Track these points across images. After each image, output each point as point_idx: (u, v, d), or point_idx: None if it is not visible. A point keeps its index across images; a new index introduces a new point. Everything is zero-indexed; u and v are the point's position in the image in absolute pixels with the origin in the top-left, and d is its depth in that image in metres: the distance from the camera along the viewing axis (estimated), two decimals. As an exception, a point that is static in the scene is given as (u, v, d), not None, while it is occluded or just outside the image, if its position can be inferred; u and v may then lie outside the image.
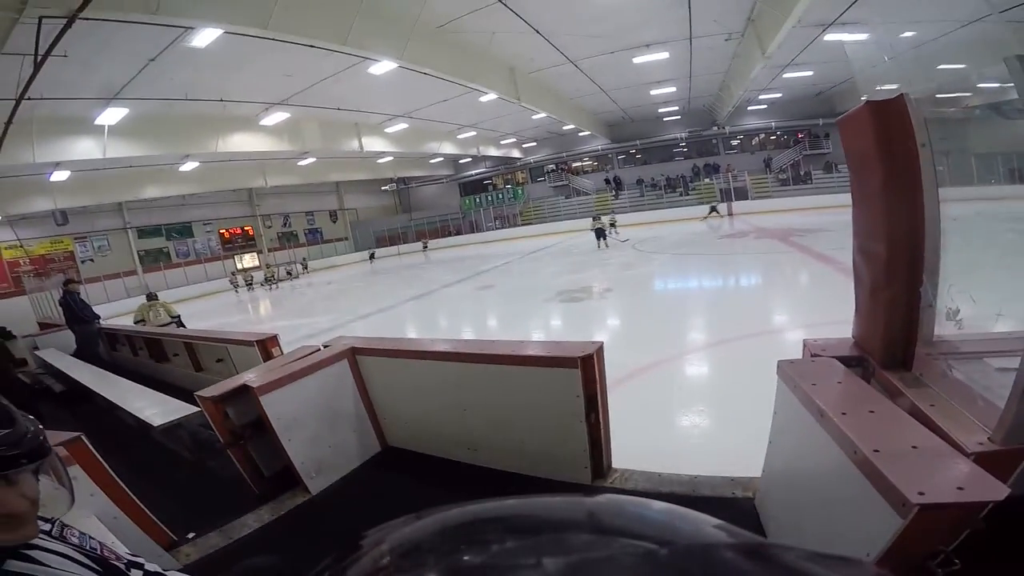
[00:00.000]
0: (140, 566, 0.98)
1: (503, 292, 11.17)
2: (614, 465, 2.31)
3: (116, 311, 15.29)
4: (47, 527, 0.88)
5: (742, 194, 22.66)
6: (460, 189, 31.15)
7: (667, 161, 25.89)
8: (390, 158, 22.79)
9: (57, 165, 12.24)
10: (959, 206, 1.41)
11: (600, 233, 15.93)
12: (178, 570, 1.16)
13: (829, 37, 11.97)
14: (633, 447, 2.46)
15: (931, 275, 1.35)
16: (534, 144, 27.25)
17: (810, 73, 16.78)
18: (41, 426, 0.81)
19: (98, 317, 8.02)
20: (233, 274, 21.50)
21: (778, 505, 1.67)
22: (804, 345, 1.73)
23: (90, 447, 2.08)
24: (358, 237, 29.52)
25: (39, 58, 3.79)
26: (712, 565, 0.28)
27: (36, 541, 0.81)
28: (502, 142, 25.59)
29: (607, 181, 26.86)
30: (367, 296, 13.89)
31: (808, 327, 5.01)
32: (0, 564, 0.73)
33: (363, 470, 2.82)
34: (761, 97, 20.69)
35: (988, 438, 1.04)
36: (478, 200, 30.25)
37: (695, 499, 2.01)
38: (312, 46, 8.01)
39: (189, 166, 16.40)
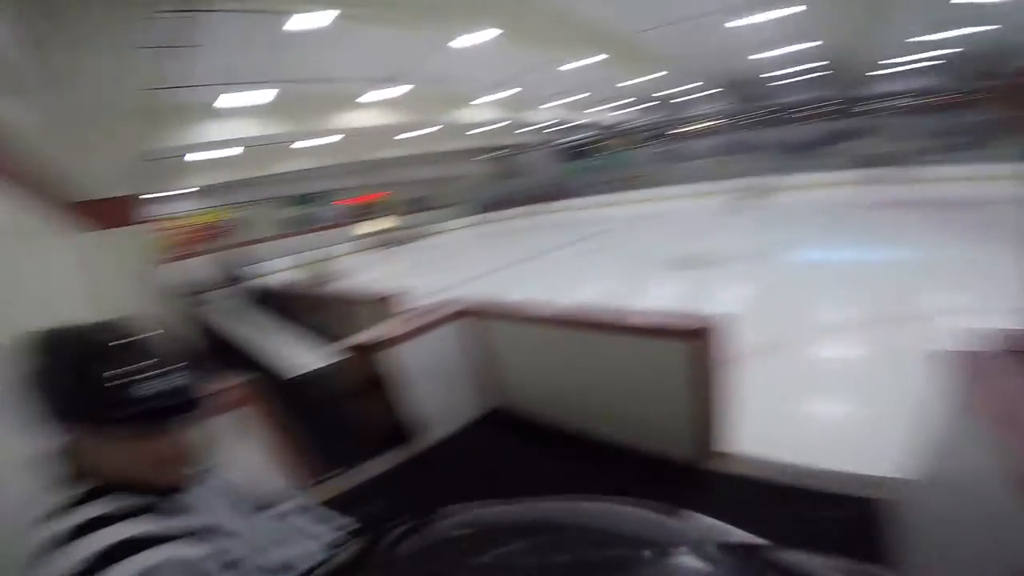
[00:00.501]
0: (275, 504, 1.05)
1: (609, 258, 10.86)
2: (725, 448, 2.22)
3: (273, 268, 17.91)
4: (199, 469, 0.93)
5: (891, 161, 19.20)
6: (560, 156, 30.72)
7: (799, 123, 22.71)
8: (491, 127, 23.00)
9: (210, 144, 13.99)
10: None
11: (740, 197, 14.74)
12: (305, 508, 1.24)
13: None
14: (748, 430, 2.33)
15: None
16: (639, 108, 25.60)
17: (973, 30, 13.47)
18: (204, 374, 0.83)
19: (257, 275, 9.48)
20: (369, 234, 24.05)
21: (926, 513, 1.49)
22: (977, 335, 1.48)
23: (259, 389, 2.35)
24: (463, 204, 30.77)
25: (178, 49, 4.37)
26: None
27: (196, 478, 0.86)
28: (599, 108, 24.38)
29: (729, 146, 24.49)
30: (479, 259, 14.42)
31: (973, 313, 4.26)
32: (164, 497, 0.77)
33: (474, 428, 2.96)
34: (910, 57, 17.12)
35: None
36: (580, 166, 29.57)
37: (815, 494, 1.87)
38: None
39: (321, 140, 17.92)
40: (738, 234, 11.23)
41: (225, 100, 11.59)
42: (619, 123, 26.96)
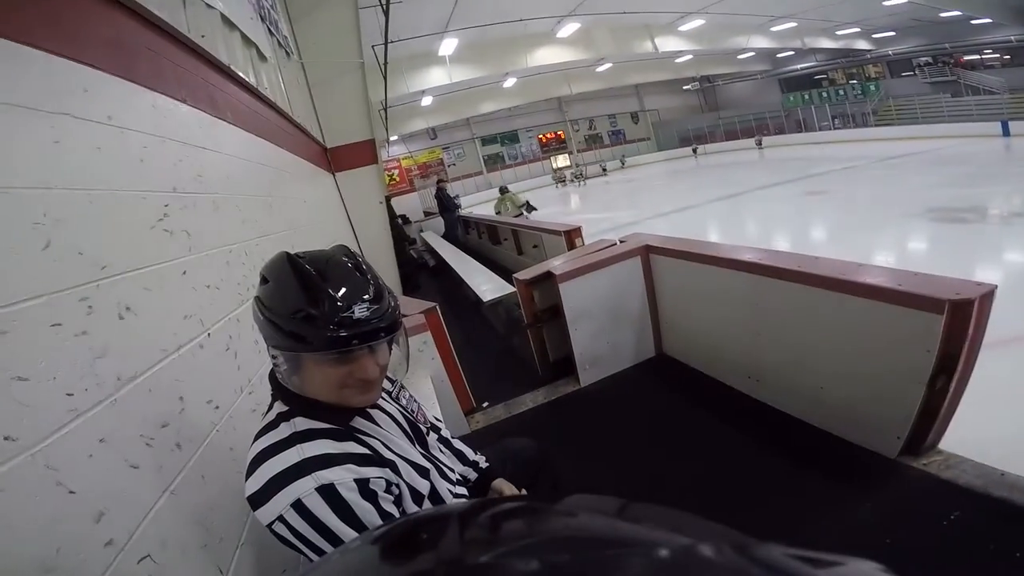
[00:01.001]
0: (437, 430, 1.15)
1: (840, 200, 8.78)
2: (940, 446, 1.72)
3: (472, 202, 19.83)
4: (390, 387, 1.04)
5: None
6: (781, 85, 25.47)
7: None
8: (689, 57, 20.44)
9: (423, 92, 15.73)
10: None
11: None
12: (465, 436, 1.33)
13: None
14: (981, 432, 1.76)
15: None
16: (892, 34, 19.60)
17: None
18: (398, 301, 0.88)
19: (459, 207, 10.63)
20: (556, 170, 24.88)
21: None
22: None
23: (440, 318, 2.52)
24: (660, 137, 28.49)
25: (385, 6, 4.76)
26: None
27: (380, 402, 0.95)
28: (838, 32, 19.38)
29: None
30: (668, 195, 13.42)
31: None
32: (349, 420, 0.87)
33: (634, 372, 2.83)
34: None
35: None
36: (807, 97, 24.14)
37: None
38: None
39: (510, 82, 18.60)
40: None
41: (440, 47, 12.77)
42: (864, 50, 21.03)
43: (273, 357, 0.85)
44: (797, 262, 1.99)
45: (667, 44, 16.47)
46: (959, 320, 1.49)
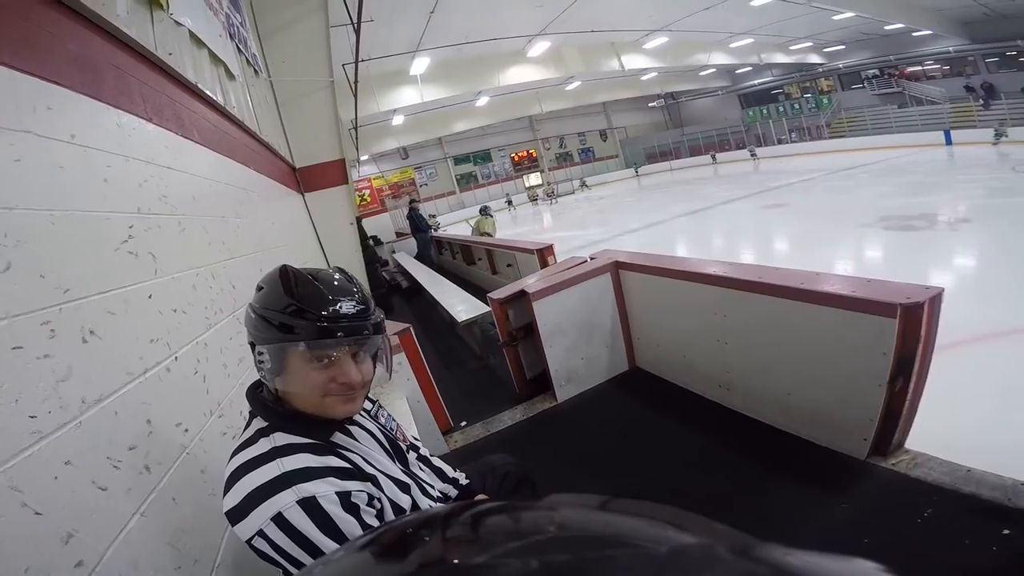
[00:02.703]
0: (416, 448, 1.15)
1: (798, 212, 9.26)
2: (906, 445, 1.79)
3: (446, 222, 19.90)
4: (370, 406, 1.05)
5: None
6: (741, 101, 26.69)
7: None
8: (654, 74, 21.26)
9: (394, 112, 15.82)
10: None
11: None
12: (444, 455, 1.34)
13: None
14: (942, 430, 1.84)
15: None
16: (841, 48, 20.94)
17: None
18: (383, 315, 0.92)
19: (433, 227, 10.59)
20: (529, 188, 25.23)
21: None
22: None
23: (414, 339, 2.51)
24: (628, 154, 29.29)
25: (357, 25, 4.79)
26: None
27: (358, 419, 0.96)
28: (792, 47, 20.53)
29: (969, 88, 18.41)
30: (637, 211, 13.77)
31: None
32: (330, 435, 0.87)
33: (608, 387, 2.87)
34: None
35: None
36: (765, 111, 25.35)
37: (1005, 509, 1.46)
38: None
39: (482, 101, 18.91)
40: (980, 192, 8.53)
41: (412, 67, 12.85)
42: (816, 64, 22.33)
43: (259, 361, 0.85)
44: (759, 273, 2.08)
45: (633, 62, 17.05)
46: (911, 323, 1.59)
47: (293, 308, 0.81)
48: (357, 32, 4.96)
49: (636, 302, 2.84)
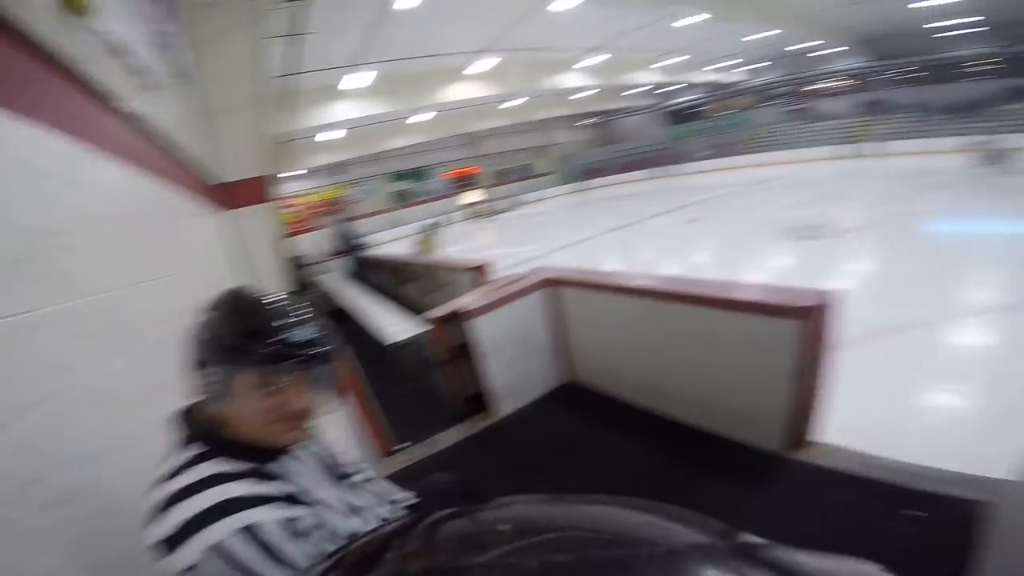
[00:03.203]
0: (358, 472, 1.12)
1: (717, 225, 10.04)
2: (818, 438, 1.95)
3: (381, 240, 19.51)
4: (304, 434, 1.01)
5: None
6: (667, 118, 28.50)
7: (956, 81, 18.52)
8: (589, 92, 22.16)
9: (330, 126, 15.41)
10: None
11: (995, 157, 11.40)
12: (387, 476, 1.34)
13: None
14: (848, 421, 2.02)
15: None
16: (758, 66, 22.92)
17: None
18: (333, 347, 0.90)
19: (364, 247, 10.29)
20: (468, 206, 25.01)
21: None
22: None
23: (350, 360, 2.49)
24: (564, 171, 30.27)
25: (296, 37, 4.64)
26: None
27: (294, 447, 0.93)
28: (714, 67, 22.20)
29: (867, 104, 20.90)
30: (570, 228, 14.17)
31: None
32: (271, 461, 0.84)
33: (547, 400, 2.91)
34: None
35: None
36: (689, 128, 27.24)
37: (908, 491, 1.62)
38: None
39: (422, 117, 18.86)
40: (868, 202, 9.64)
41: (345, 82, 12.54)
42: (734, 82, 24.30)
43: (204, 384, 0.81)
44: (682, 285, 2.22)
45: (570, 80, 17.60)
46: (812, 324, 1.74)
47: (245, 331, 0.79)
48: (295, 44, 4.75)
49: (571, 316, 2.90)
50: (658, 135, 28.54)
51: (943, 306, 4.21)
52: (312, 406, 0.87)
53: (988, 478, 1.53)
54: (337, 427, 2.09)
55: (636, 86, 22.37)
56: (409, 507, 1.16)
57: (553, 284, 2.90)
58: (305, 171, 21.52)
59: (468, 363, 2.82)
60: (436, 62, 13.42)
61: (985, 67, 18.18)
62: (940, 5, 14.28)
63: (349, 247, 9.64)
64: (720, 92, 25.56)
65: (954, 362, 3.43)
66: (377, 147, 21.28)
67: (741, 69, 23.60)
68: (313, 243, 14.57)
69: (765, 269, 6.30)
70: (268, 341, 0.79)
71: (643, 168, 26.78)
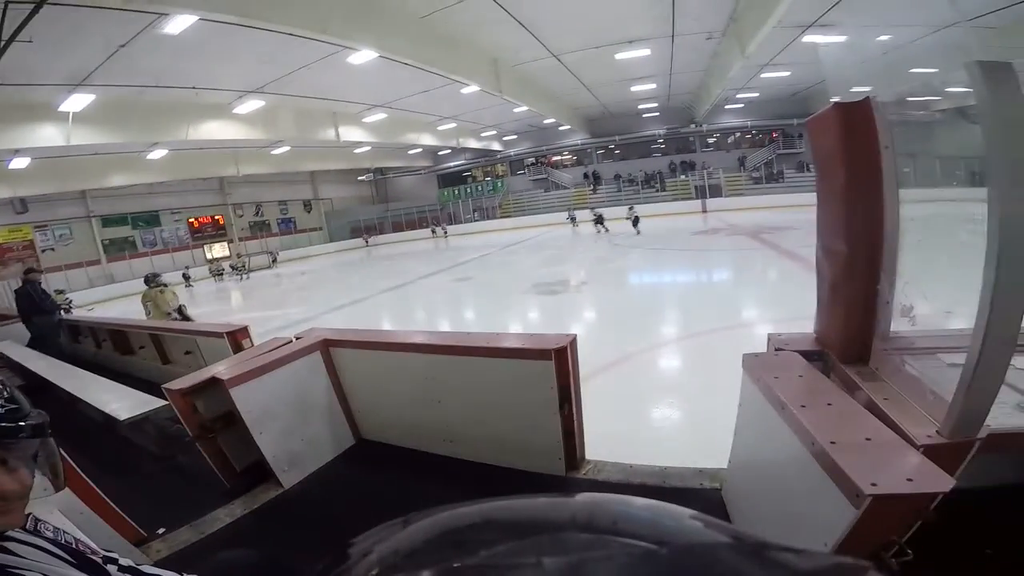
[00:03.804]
0: (115, 561, 0.96)
1: (480, 284, 11.23)
2: (587, 456, 2.34)
3: (84, 300, 14.92)
4: (23, 521, 0.85)
5: (717, 191, 23.10)
6: (439, 180, 30.89)
7: (645, 157, 26.13)
8: (368, 148, 22.39)
9: (16, 152, 11.65)
10: (919, 207, 1.46)
11: (599, 220, 17.62)
12: (150, 564, 1.13)
13: (808, 38, 12.19)
14: (606, 439, 2.49)
15: (889, 273, 1.40)
16: (515, 137, 27.20)
17: (787, 74, 17.13)
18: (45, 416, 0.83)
19: (58, 308, 7.66)
20: (211, 261, 21.05)
21: (742, 495, 1.72)
22: (768, 339, 1.78)
23: (51, 442, 1.95)
24: (332, 227, 29.02)
25: (2, 43, 3.49)
26: (710, 565, 0.29)
27: (12, 533, 0.80)
28: (482, 135, 25.45)
29: (586, 176, 27.00)
30: (341, 287, 13.68)
31: (774, 322, 5.19)
32: None
33: (337, 463, 2.78)
34: (739, 96, 21.03)
35: (937, 431, 1.09)
36: (457, 192, 30.03)
37: (665, 490, 2.06)
38: (291, 34, 7.76)
39: (158, 154, 15.85)
40: (591, 260, 12.35)
41: (67, 103, 9.71)
42: (496, 151, 28.02)
43: None
44: (456, 338, 2.45)
45: (350, 134, 17.22)
46: (561, 362, 2.12)
47: None
48: (1, 51, 3.45)
49: (351, 376, 2.84)
50: (431, 196, 30.44)
51: (651, 337, 5.56)
52: (25, 484, 0.78)
53: (715, 468, 2.01)
54: (51, 516, 1.61)
55: (416, 146, 23.54)
56: None
57: (328, 345, 2.82)
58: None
59: (235, 433, 2.51)
60: (189, 95, 11.65)
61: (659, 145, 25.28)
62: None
63: (37, 308, 7.01)
64: (486, 159, 29.12)
65: (664, 378, 4.52)
66: (86, 183, 16.74)
67: (504, 138, 27.19)
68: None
69: (522, 320, 7.30)
70: None
71: (416, 228, 27.95)
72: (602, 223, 17.53)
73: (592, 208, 20.06)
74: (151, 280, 6.16)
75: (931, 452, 1.03)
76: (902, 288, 1.37)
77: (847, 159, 1.39)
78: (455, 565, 0.32)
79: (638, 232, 15.68)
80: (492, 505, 0.39)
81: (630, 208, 17.00)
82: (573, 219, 20.81)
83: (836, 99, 1.42)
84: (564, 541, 0.35)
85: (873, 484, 0.92)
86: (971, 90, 0.95)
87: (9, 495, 0.75)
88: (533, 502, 0.39)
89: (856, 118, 1.37)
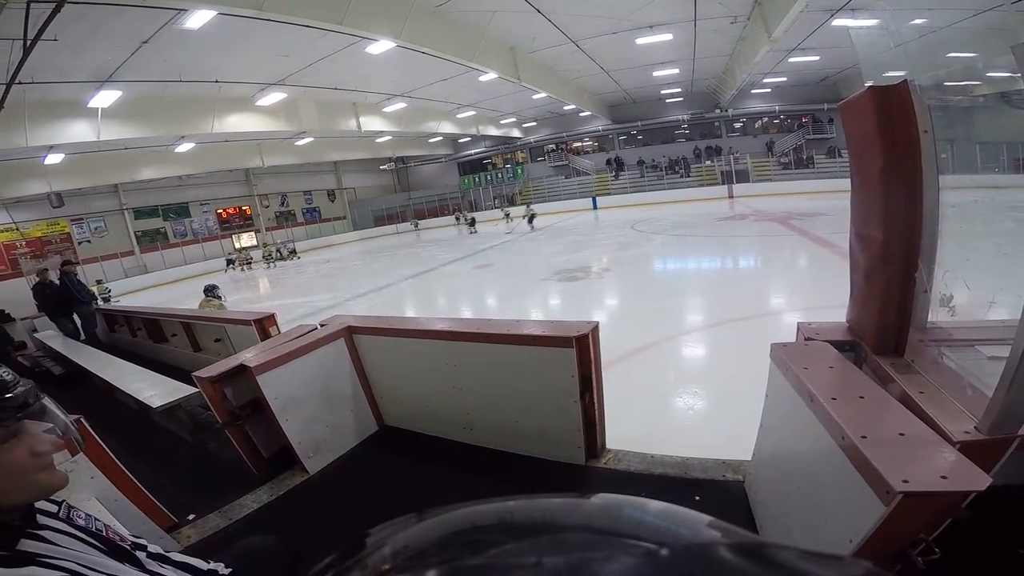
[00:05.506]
0: (144, 548, 0.99)
1: (501, 271, 11.21)
2: (608, 445, 2.34)
3: (121, 289, 15.52)
4: (54, 508, 0.88)
5: (744, 177, 22.46)
6: (459, 168, 30.85)
7: (669, 143, 25.48)
8: (389, 137, 22.48)
9: (51, 148, 12.05)
10: (959, 194, 1.39)
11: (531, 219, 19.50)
12: (179, 551, 1.17)
13: (837, 22, 11.63)
14: (627, 428, 2.48)
15: (927, 261, 1.34)
16: (534, 124, 26.84)
17: (816, 58, 16.38)
18: (32, 384, 0.86)
19: (96, 298, 8.00)
20: (239, 251, 21.33)
21: (767, 489, 1.69)
22: (798, 328, 1.73)
23: (89, 429, 2.05)
24: (356, 216, 29.36)
25: (28, 43, 3.62)
26: (711, 565, 0.29)
27: (45, 522, 0.82)
28: (502, 122, 25.20)
29: (608, 162, 26.56)
30: (365, 275, 13.84)
31: (804, 310, 5.04)
32: (15, 543, 0.73)
33: (361, 449, 2.83)
34: (765, 81, 20.28)
35: (975, 427, 1.04)
36: (477, 179, 29.95)
37: (687, 481, 2.04)
38: (308, 26, 7.82)
39: (185, 147, 16.19)
40: (614, 247, 12.19)
41: (96, 99, 10.03)
42: (516, 138, 27.78)
43: None
44: (477, 325, 2.45)
45: (371, 124, 17.31)
46: (583, 349, 2.10)
47: None
48: (27, 50, 3.60)
49: (374, 363, 2.88)
50: (453, 184, 30.45)
51: (675, 325, 5.47)
52: (56, 442, 0.83)
53: (739, 460, 1.99)
54: (88, 503, 1.77)
55: (436, 134, 23.53)
56: None
57: (352, 332, 2.85)
58: (6, 202, 16.03)
59: (263, 421, 2.57)
60: (212, 88, 11.86)
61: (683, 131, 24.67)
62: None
63: (75, 299, 7.35)
64: (506, 146, 28.89)
65: (688, 367, 4.45)
66: (118, 177, 17.28)
67: (524, 125, 26.86)
68: (19, 294, 10.75)
69: (543, 306, 7.27)
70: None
71: (440, 215, 28.00)
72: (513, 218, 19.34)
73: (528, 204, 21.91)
74: (209, 291, 6.27)
75: (967, 449, 0.99)
76: (941, 277, 1.31)
77: (884, 144, 1.33)
78: (460, 563, 0.32)
79: (532, 228, 17.85)
80: (506, 505, 0.39)
81: (527, 206, 19.17)
82: (507, 215, 22.45)
83: (870, 83, 1.36)
84: (564, 541, 0.35)
85: (905, 481, 0.89)
86: (1017, 75, 0.89)
87: (50, 449, 0.80)
88: (549, 502, 0.39)
89: (893, 102, 1.31)
